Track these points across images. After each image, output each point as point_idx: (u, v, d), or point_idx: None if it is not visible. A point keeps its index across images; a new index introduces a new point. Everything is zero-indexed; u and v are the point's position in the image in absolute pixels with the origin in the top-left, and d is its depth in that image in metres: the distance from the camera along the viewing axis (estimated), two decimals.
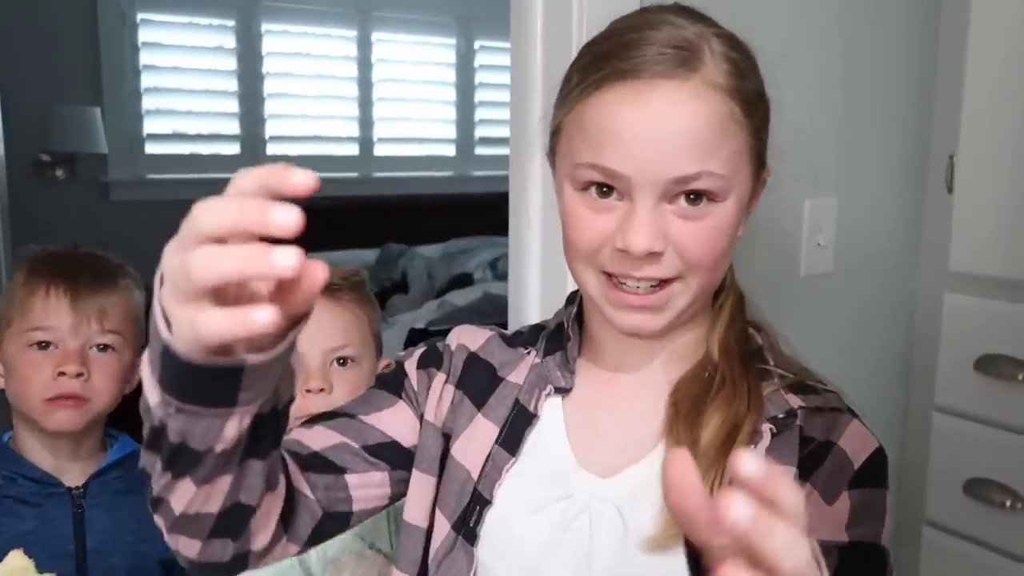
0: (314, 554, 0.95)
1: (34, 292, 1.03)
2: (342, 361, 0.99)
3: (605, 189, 0.67)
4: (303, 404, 0.94)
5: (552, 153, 0.75)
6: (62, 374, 1.02)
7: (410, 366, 0.80)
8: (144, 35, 3.66)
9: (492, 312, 2.76)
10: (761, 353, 0.75)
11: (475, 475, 0.74)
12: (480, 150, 4.49)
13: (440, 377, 0.79)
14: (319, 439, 0.74)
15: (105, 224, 3.57)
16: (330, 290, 0.97)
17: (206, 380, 0.48)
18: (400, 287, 3.50)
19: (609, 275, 0.68)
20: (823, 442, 0.69)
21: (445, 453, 0.76)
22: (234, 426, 0.52)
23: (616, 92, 0.66)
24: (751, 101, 0.68)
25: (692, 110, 0.64)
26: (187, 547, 0.61)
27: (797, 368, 0.74)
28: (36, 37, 3.42)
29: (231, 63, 3.84)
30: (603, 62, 0.67)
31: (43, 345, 1.03)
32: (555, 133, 0.73)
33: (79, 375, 1.02)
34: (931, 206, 1.35)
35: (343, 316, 0.99)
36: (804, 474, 0.67)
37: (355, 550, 0.96)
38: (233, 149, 3.93)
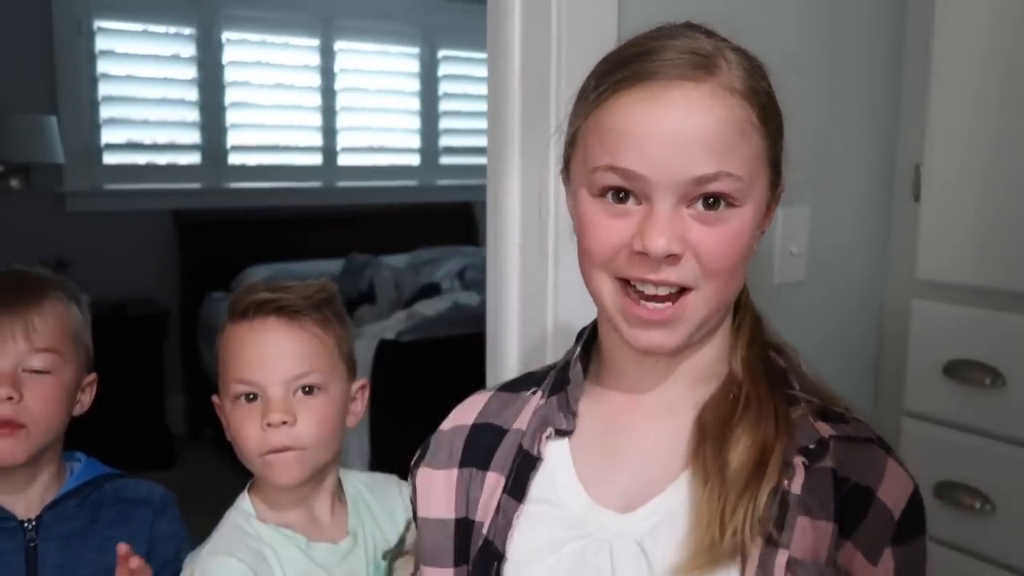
0: None
1: None
2: (307, 389, 0.92)
3: (622, 195, 0.66)
4: (264, 439, 0.90)
5: (566, 166, 0.73)
6: None
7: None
8: (101, 43, 3.60)
9: (462, 322, 2.76)
10: (785, 376, 0.73)
11: (486, 526, 0.73)
12: (444, 159, 4.48)
13: (441, 474, 0.78)
14: None
15: (61, 235, 3.50)
16: (290, 312, 0.92)
17: None
18: (367, 298, 3.48)
19: (625, 282, 0.67)
20: (860, 487, 0.67)
21: (461, 540, 0.75)
22: None
23: (633, 94, 0.65)
24: (766, 108, 0.68)
25: (710, 110, 0.64)
26: None
27: (822, 392, 0.73)
28: None
29: (191, 72, 3.79)
30: (621, 67, 0.67)
31: None
32: (570, 144, 0.72)
33: (9, 399, 0.93)
34: (899, 215, 1.38)
35: (305, 340, 0.93)
36: (844, 529, 0.65)
37: None
38: (194, 159, 3.88)
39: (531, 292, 1.08)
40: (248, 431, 0.91)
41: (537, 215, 1.06)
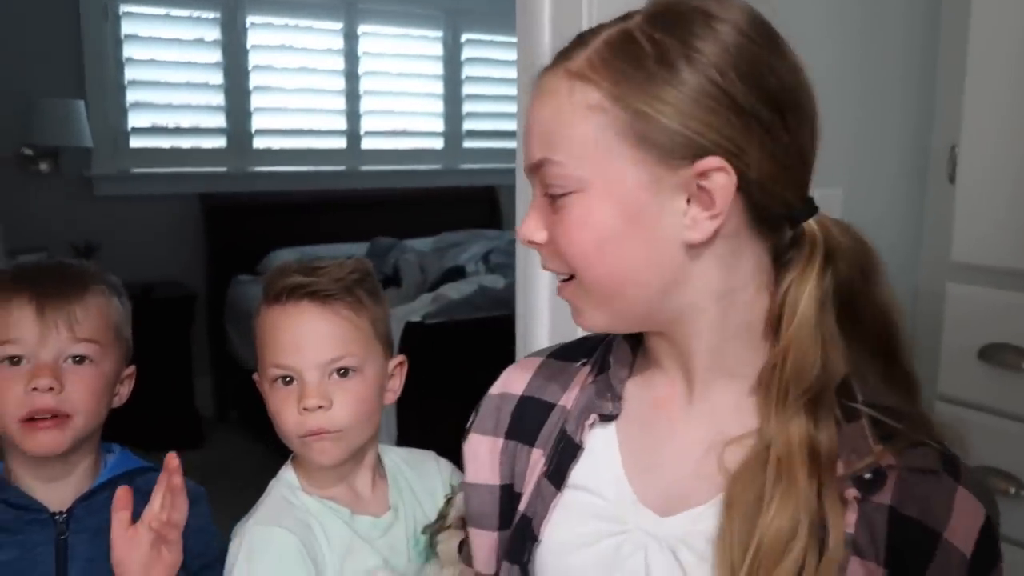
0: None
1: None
2: (342, 372, 0.93)
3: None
4: (301, 421, 0.91)
5: None
6: (35, 390, 0.95)
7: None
8: (127, 28, 3.62)
9: (487, 304, 2.76)
10: (848, 386, 0.65)
11: (525, 501, 0.73)
12: (468, 143, 4.47)
13: (487, 440, 0.78)
14: None
15: (90, 219, 3.53)
16: (323, 296, 0.92)
17: None
18: (392, 281, 3.49)
19: None
20: (925, 529, 0.61)
21: (505, 506, 0.75)
22: None
23: None
24: (624, 82, 0.61)
25: (544, 98, 0.65)
26: None
27: (897, 406, 0.65)
28: (18, 30, 3.37)
29: (216, 56, 3.81)
30: None
31: (15, 360, 0.96)
32: None
33: (51, 389, 0.95)
34: (933, 197, 1.36)
35: (339, 324, 0.93)
36: (898, 571, 0.61)
37: (370, 566, 0.92)
38: (219, 143, 3.90)
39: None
40: (286, 414, 0.92)
41: None
